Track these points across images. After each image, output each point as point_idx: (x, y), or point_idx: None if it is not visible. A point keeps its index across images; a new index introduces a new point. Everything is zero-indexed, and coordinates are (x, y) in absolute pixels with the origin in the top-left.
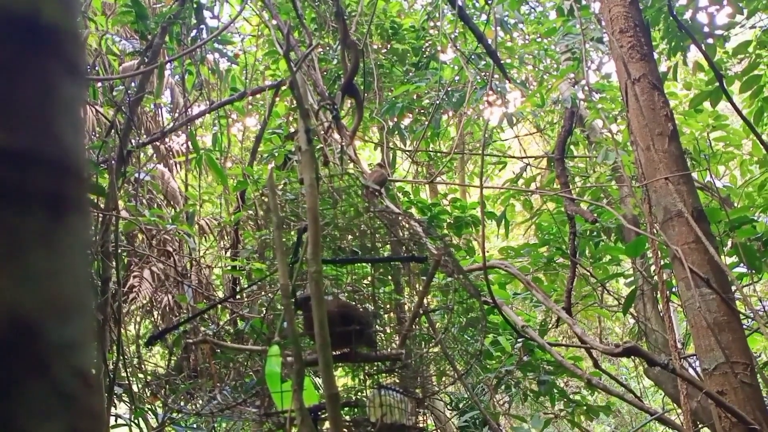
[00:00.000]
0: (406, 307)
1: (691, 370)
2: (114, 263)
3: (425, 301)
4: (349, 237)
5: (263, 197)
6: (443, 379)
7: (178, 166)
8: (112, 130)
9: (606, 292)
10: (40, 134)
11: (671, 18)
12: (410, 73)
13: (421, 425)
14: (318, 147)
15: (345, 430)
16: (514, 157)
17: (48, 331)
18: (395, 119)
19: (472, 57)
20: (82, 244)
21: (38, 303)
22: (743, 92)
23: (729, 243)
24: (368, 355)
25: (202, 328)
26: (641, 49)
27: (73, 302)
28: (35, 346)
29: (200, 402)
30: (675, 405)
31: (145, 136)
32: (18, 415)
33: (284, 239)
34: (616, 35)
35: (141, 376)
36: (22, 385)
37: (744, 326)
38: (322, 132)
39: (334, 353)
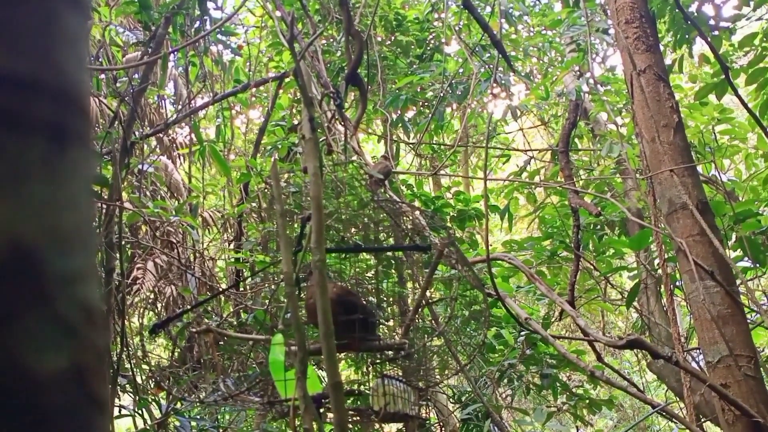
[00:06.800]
0: (409, 300)
1: (694, 364)
2: (118, 255)
3: (428, 293)
4: (353, 229)
5: (267, 189)
6: (446, 371)
7: (181, 157)
8: (116, 122)
9: (609, 285)
10: (42, 62)
11: (677, 10)
12: (414, 65)
13: (423, 416)
14: (321, 138)
15: (348, 418)
16: (518, 149)
17: (50, 261)
18: (399, 111)
19: (477, 49)
20: (84, 177)
21: (40, 232)
22: (749, 85)
23: (733, 236)
24: (371, 344)
25: (206, 320)
26: (647, 41)
27: (75, 234)
28: (37, 275)
29: (204, 393)
30: (678, 399)
31: (148, 128)
32: (18, 346)
33: (287, 231)
34: (622, 26)
35: (145, 367)
36: (23, 314)
37: (748, 320)
38: (326, 122)
39: (337, 342)
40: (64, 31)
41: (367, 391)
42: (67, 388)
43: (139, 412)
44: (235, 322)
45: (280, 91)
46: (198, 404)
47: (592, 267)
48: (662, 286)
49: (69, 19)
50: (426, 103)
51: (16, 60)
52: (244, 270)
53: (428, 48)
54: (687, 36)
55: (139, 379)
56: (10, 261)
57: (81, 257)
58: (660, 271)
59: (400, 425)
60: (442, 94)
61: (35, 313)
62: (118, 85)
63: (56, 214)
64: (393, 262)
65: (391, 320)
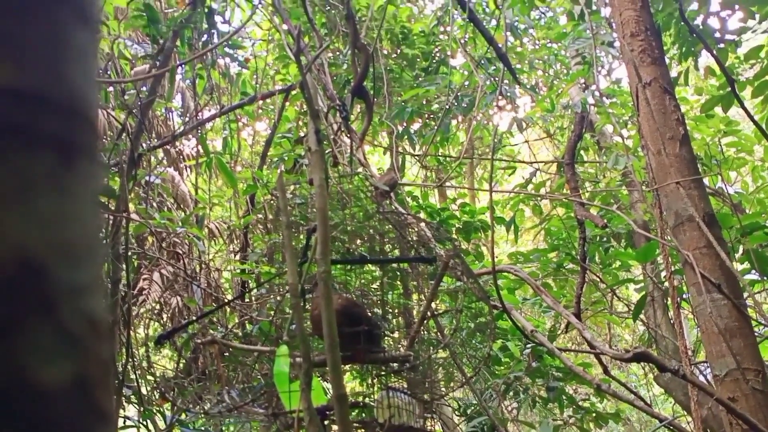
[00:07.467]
0: (415, 312)
1: (701, 377)
2: (124, 266)
3: (433, 305)
4: (358, 241)
5: (273, 200)
6: (451, 383)
7: (188, 169)
8: (124, 134)
9: (616, 298)
10: (51, 77)
11: (682, 22)
12: (420, 78)
13: (429, 428)
14: (327, 150)
15: (353, 431)
16: (523, 162)
17: (57, 273)
18: (404, 124)
19: (482, 61)
20: (92, 191)
21: (47, 245)
22: (755, 97)
23: (741, 249)
24: (376, 356)
25: (211, 331)
26: (652, 53)
27: (82, 247)
28: (43, 287)
29: (209, 404)
30: (685, 412)
31: (155, 140)
32: (22, 355)
33: (293, 242)
34: (627, 39)
35: (150, 378)
36: (28, 324)
37: (755, 333)
38: (332, 134)
39: (341, 354)
40: (72, 45)
41: (371, 403)
42: (72, 399)
43: (144, 423)
44: (240, 334)
45: (287, 103)
46: (202, 415)
47: (598, 279)
48: (669, 299)
49: (78, 33)
50: (432, 116)
51: (25, 74)
52: (250, 281)
53: (434, 61)
54: (692, 49)
55: (144, 390)
56: (18, 273)
57: (87, 270)
58: (667, 283)
59: None
60: (447, 107)
61: (41, 324)
62: (126, 97)
63: (63, 228)
64: (398, 273)
65: (397, 332)
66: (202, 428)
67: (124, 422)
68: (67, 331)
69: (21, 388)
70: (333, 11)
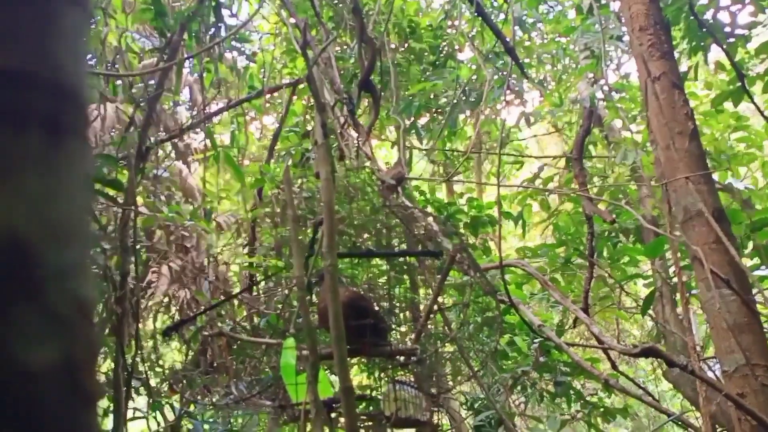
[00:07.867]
0: (422, 306)
1: (710, 373)
2: (132, 259)
3: (440, 299)
4: (365, 235)
5: (280, 194)
6: (458, 377)
7: (196, 163)
8: (132, 127)
9: (624, 293)
10: (39, 57)
11: (692, 17)
12: (427, 72)
13: (435, 422)
14: (334, 144)
15: (360, 423)
16: (531, 156)
17: (44, 254)
18: (412, 118)
19: (490, 56)
20: (81, 170)
21: (34, 226)
22: (765, 92)
23: (750, 245)
24: (382, 349)
25: (219, 324)
26: (661, 48)
27: (70, 227)
28: (30, 268)
29: (217, 396)
30: (694, 408)
31: (163, 133)
32: (9, 338)
33: (300, 236)
34: (636, 33)
35: (158, 369)
36: (15, 307)
37: (765, 329)
38: (339, 128)
39: (348, 347)
40: (62, 27)
41: (378, 396)
42: (58, 380)
43: (153, 414)
44: (248, 326)
45: (294, 97)
46: (211, 407)
47: (606, 274)
48: (678, 295)
49: (68, 14)
50: (439, 110)
51: (13, 54)
52: (258, 274)
53: (441, 55)
54: (702, 43)
55: (152, 382)
56: (5, 254)
57: (75, 250)
58: (675, 279)
59: (412, 430)
60: (455, 101)
61: (28, 305)
62: (134, 91)
63: (51, 207)
64: (405, 267)
65: (404, 326)
66: (211, 420)
67: (134, 414)
68: (55, 312)
69: (9, 369)
70: (340, 5)
